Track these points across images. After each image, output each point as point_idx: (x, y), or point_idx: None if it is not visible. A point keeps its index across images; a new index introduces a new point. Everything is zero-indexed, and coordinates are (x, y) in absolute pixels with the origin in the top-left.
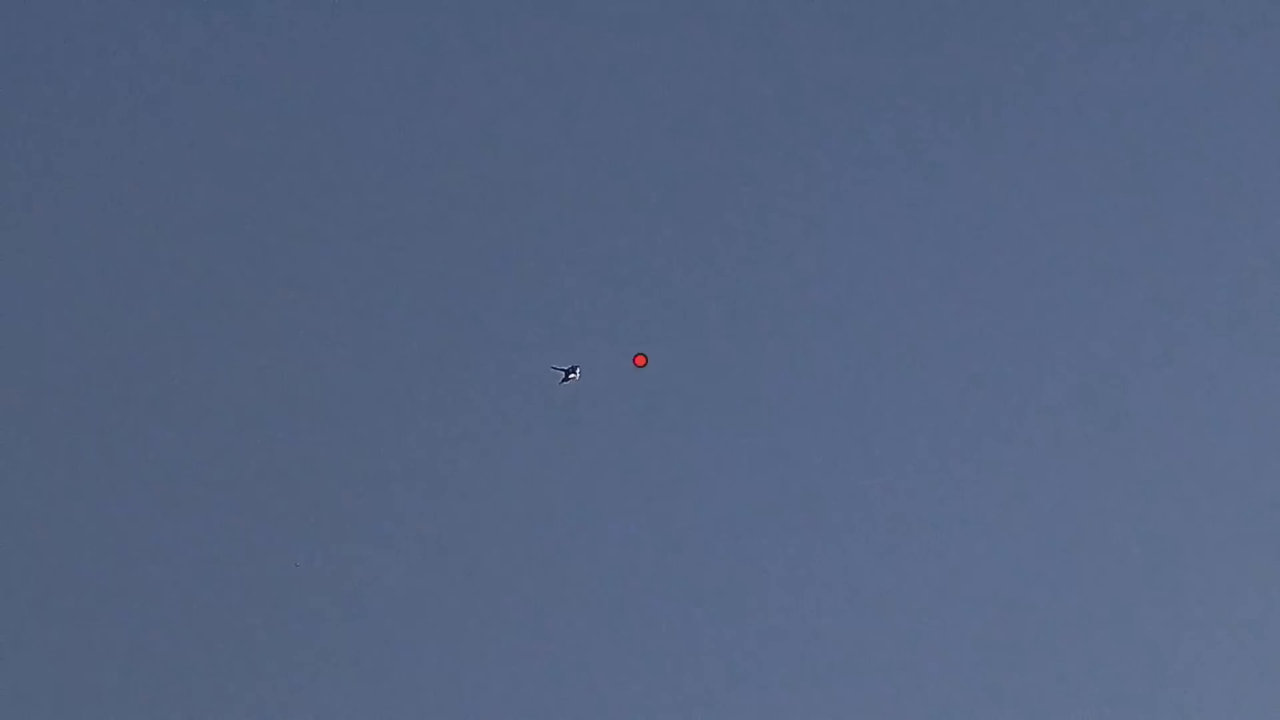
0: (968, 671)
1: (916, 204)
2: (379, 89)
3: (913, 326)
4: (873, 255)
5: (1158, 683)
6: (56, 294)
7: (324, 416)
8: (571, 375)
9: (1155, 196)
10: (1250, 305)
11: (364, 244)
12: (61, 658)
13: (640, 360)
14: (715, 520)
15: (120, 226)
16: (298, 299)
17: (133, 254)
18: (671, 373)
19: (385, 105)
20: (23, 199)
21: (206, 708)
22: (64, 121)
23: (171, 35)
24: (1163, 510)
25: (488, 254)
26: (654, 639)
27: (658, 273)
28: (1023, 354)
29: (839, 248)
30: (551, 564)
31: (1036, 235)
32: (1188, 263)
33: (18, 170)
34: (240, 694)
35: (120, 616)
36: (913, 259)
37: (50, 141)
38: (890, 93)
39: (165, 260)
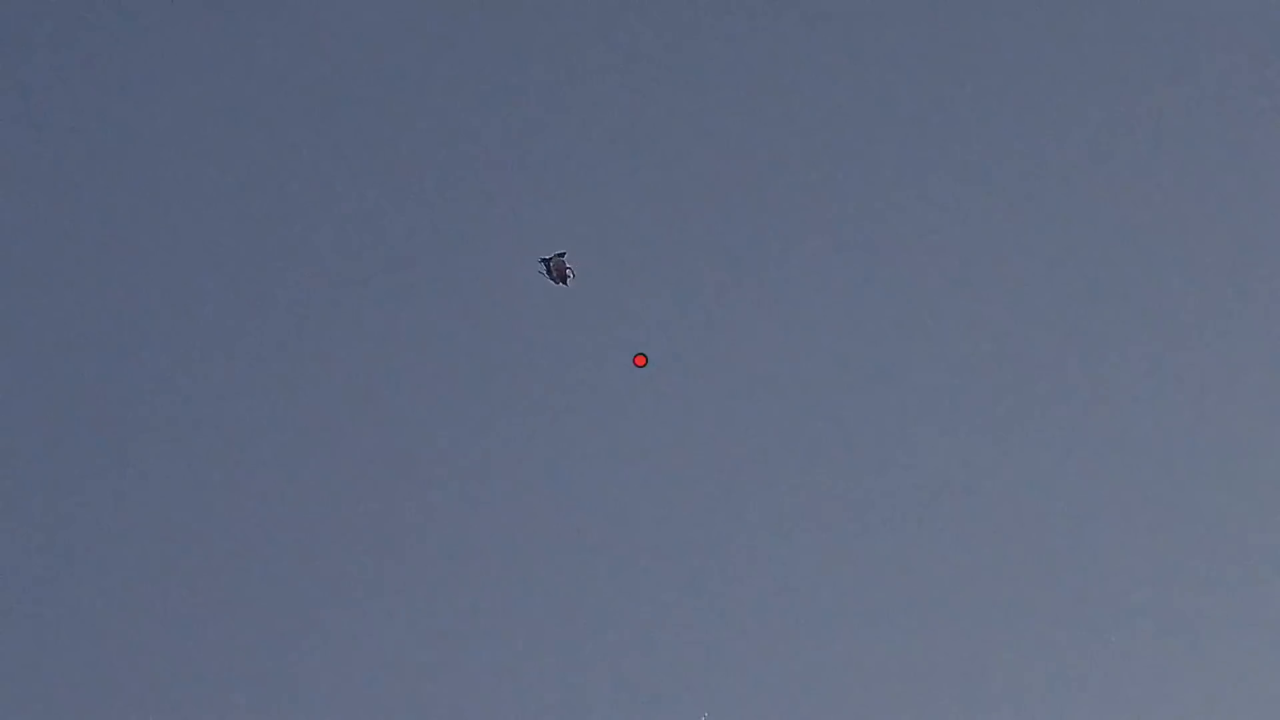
0: (970, 676)
1: (920, 205)
2: (377, 84)
3: (914, 327)
4: (875, 255)
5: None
6: (55, 294)
7: (320, 416)
8: (559, 267)
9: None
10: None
11: (361, 241)
12: (60, 657)
13: (640, 360)
14: (716, 521)
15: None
16: (294, 299)
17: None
18: (671, 373)
19: (383, 100)
20: (22, 197)
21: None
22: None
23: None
24: (1157, 514)
25: (486, 252)
26: (652, 640)
27: (658, 273)
28: (1028, 356)
29: (840, 247)
30: (550, 565)
31: (1044, 238)
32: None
33: (17, 170)
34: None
35: (119, 615)
36: (916, 259)
37: (49, 141)
38: (892, 94)
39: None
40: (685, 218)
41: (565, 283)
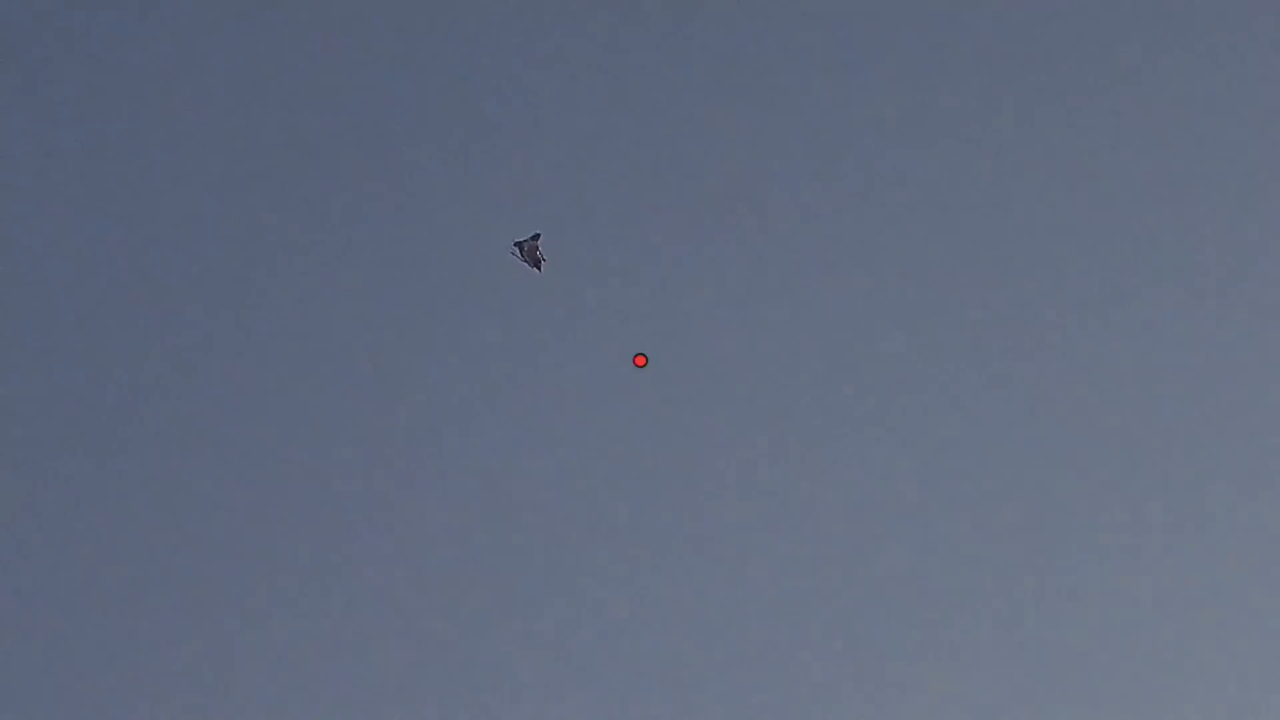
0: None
1: (920, 207)
2: (382, 85)
3: (912, 328)
4: (873, 256)
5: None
6: (57, 294)
7: (321, 415)
8: (531, 250)
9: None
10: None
11: (364, 241)
12: (61, 656)
13: (640, 360)
14: (715, 519)
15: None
16: (296, 300)
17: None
18: (671, 373)
19: (386, 101)
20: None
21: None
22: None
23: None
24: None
25: (488, 253)
26: (651, 639)
27: (658, 273)
28: (1025, 357)
29: (838, 247)
30: (550, 565)
31: (1037, 242)
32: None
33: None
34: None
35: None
36: (914, 260)
37: (51, 141)
38: (891, 94)
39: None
40: (686, 218)
41: (539, 268)
